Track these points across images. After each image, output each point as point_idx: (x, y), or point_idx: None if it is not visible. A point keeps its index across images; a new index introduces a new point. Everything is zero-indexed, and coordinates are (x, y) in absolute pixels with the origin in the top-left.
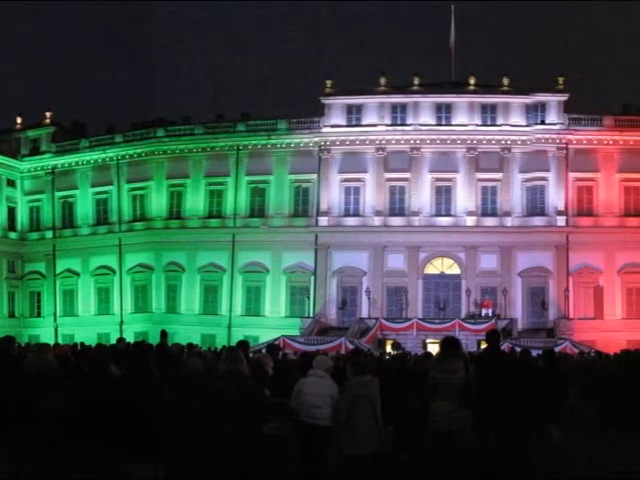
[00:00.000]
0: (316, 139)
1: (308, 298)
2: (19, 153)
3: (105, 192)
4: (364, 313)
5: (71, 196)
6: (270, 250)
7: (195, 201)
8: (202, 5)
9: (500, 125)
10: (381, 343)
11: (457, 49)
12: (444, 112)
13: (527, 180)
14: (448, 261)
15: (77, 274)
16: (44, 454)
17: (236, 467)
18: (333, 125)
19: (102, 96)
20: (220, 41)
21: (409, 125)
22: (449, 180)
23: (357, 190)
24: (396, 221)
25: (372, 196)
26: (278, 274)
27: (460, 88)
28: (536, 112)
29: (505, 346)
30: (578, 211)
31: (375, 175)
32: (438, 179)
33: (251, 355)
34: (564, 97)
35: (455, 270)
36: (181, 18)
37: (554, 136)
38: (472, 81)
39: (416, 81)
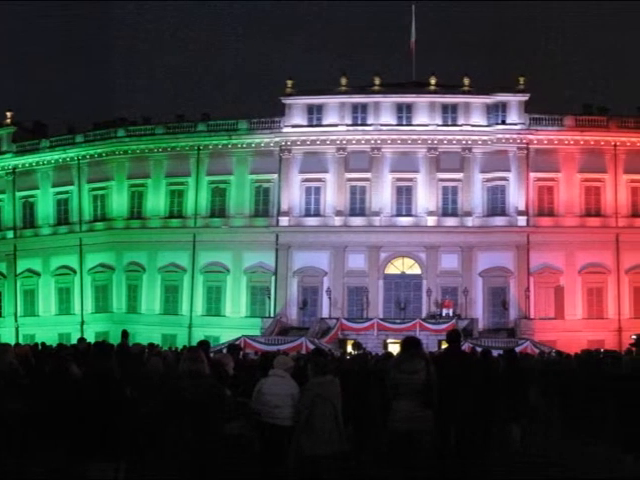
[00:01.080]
0: (277, 139)
1: (269, 298)
2: None
3: (66, 192)
4: (325, 313)
5: (32, 196)
6: (231, 250)
7: (156, 201)
8: (161, 5)
9: (461, 125)
10: (342, 343)
11: (418, 49)
12: (405, 112)
13: (488, 180)
14: (409, 261)
15: (38, 274)
16: (5, 454)
17: (197, 467)
18: (294, 125)
19: (63, 96)
20: (180, 41)
21: (370, 125)
22: (410, 180)
23: (318, 190)
24: (357, 221)
25: (333, 196)
26: (239, 274)
27: (421, 88)
28: (497, 112)
29: (466, 346)
30: (539, 211)
31: (336, 175)
32: (399, 179)
33: (212, 355)
34: (525, 97)
35: (416, 270)
36: (140, 18)
37: (515, 136)
38: (433, 81)
39: (377, 81)
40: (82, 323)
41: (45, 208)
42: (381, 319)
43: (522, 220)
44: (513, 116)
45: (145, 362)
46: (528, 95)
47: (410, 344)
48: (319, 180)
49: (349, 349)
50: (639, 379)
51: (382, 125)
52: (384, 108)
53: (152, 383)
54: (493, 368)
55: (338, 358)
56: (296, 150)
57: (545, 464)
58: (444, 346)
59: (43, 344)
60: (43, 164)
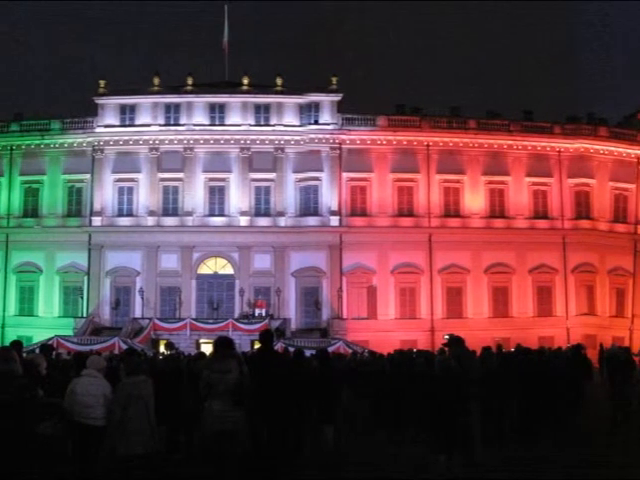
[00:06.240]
0: (90, 139)
1: (82, 298)
2: None
3: None
4: (137, 313)
5: None
6: (44, 250)
7: None
8: None
9: (274, 125)
10: (155, 343)
11: (231, 49)
12: (217, 112)
13: (301, 180)
14: (221, 261)
15: None
16: None
17: (8, 467)
18: (107, 125)
19: None
20: None
21: (182, 125)
22: (223, 180)
23: (130, 190)
24: (169, 221)
25: (146, 196)
26: (52, 274)
27: (234, 88)
28: (310, 112)
29: (279, 346)
30: (352, 211)
31: (149, 175)
32: (212, 179)
33: (24, 355)
34: (337, 97)
35: (228, 270)
36: None
37: (327, 136)
38: (246, 81)
39: (190, 81)
40: None
41: None
42: (194, 319)
43: (335, 220)
44: (326, 116)
45: None
46: (341, 95)
47: (222, 344)
48: (132, 180)
49: (162, 349)
50: (451, 379)
51: (195, 125)
52: (197, 108)
53: None
54: (306, 368)
55: (151, 358)
56: (109, 150)
57: (358, 464)
58: (257, 346)
59: None
60: None
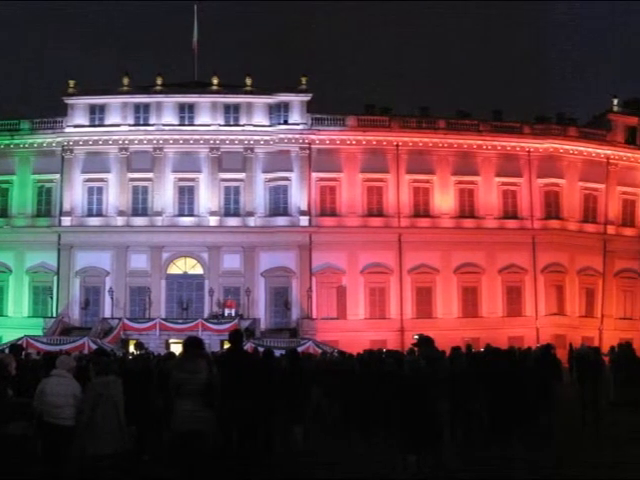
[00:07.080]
0: (59, 139)
1: (51, 298)
2: None
3: None
4: (107, 313)
5: None
6: (13, 250)
7: None
8: None
9: (243, 125)
10: (124, 343)
11: (200, 49)
12: (187, 112)
13: (270, 180)
14: (191, 261)
15: None
16: None
17: None
18: (76, 125)
19: None
20: None
21: (152, 125)
22: (192, 180)
23: (100, 190)
24: (139, 221)
25: (115, 196)
26: (21, 274)
27: (203, 88)
28: (279, 112)
29: (248, 346)
30: (321, 211)
31: (118, 175)
32: (181, 179)
33: None
34: (307, 97)
35: (198, 270)
36: None
37: (297, 136)
38: (215, 81)
39: (159, 81)
40: None
41: None
42: (163, 319)
43: (304, 220)
44: (295, 116)
45: None
46: (310, 95)
47: (192, 344)
48: (101, 180)
49: (131, 349)
50: (420, 379)
51: (164, 125)
52: (166, 108)
53: None
54: (275, 368)
55: (120, 358)
56: (78, 150)
57: (327, 464)
58: (227, 346)
59: None
60: None
